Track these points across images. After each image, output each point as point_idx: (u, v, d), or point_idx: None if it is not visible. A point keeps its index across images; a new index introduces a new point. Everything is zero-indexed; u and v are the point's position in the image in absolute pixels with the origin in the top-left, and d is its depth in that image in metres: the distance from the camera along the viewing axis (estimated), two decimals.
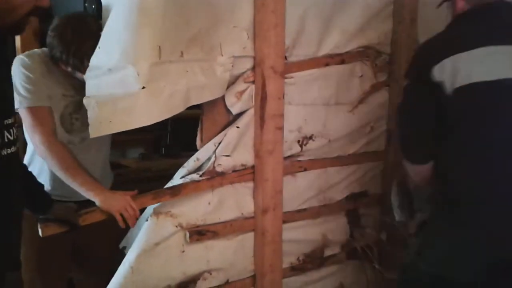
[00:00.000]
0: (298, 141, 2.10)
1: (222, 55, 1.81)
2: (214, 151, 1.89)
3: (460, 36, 1.51)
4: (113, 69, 1.57)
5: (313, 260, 2.24)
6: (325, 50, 2.10)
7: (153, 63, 1.59)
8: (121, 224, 1.66)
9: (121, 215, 1.65)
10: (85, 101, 1.59)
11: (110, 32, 1.58)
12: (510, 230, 1.43)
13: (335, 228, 2.30)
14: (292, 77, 2.00)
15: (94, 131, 1.58)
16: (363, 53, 2.25)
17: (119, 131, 1.62)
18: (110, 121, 1.57)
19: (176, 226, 1.82)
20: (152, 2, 1.56)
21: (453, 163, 1.52)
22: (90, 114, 1.58)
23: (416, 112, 1.56)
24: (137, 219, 1.72)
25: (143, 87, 1.58)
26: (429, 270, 1.52)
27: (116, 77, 1.57)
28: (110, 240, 1.96)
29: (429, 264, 1.54)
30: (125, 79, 1.57)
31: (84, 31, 1.65)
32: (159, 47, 1.58)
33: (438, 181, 1.59)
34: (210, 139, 1.90)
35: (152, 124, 1.66)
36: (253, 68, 1.90)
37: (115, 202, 1.65)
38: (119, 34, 1.57)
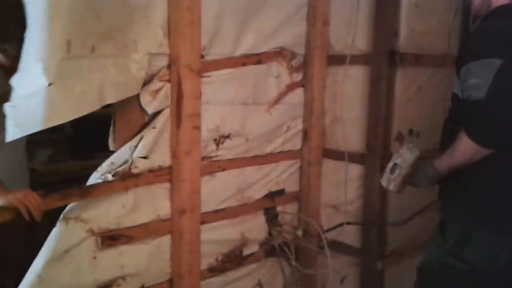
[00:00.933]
0: (215, 140, 2.09)
1: (137, 52, 1.75)
2: (131, 155, 1.81)
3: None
4: (27, 69, 1.48)
5: (232, 259, 2.24)
6: (242, 50, 2.11)
7: (61, 58, 1.50)
8: (26, 215, 1.54)
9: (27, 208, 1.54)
10: (5, 105, 1.49)
11: (28, 30, 1.48)
12: None
13: (253, 227, 2.32)
14: (209, 76, 1.99)
15: (10, 135, 1.47)
16: (279, 54, 2.29)
17: (32, 132, 1.51)
18: (24, 123, 1.48)
19: (87, 231, 1.72)
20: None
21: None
22: (7, 117, 1.48)
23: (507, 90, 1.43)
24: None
25: (50, 84, 1.48)
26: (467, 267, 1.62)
27: (28, 76, 1.48)
28: (22, 243, 1.82)
29: (467, 262, 1.62)
30: (35, 77, 1.47)
31: None
32: (68, 41, 1.50)
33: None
34: (124, 140, 1.82)
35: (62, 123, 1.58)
36: (169, 66, 1.85)
37: (17, 195, 1.54)
38: (31, 30, 1.47)
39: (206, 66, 1.96)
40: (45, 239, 1.66)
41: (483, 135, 1.47)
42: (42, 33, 1.48)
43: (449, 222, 1.70)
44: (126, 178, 1.79)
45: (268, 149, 2.35)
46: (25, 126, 1.49)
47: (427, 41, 2.34)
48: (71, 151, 3.43)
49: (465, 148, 1.51)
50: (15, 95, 1.49)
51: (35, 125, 1.50)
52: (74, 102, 1.56)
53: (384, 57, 2.21)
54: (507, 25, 1.52)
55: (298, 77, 2.41)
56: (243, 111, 2.17)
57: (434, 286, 1.76)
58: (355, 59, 2.33)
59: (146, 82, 1.81)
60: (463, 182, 1.65)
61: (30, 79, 1.48)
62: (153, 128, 1.85)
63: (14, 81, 1.49)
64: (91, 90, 1.59)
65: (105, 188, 1.75)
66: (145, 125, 1.86)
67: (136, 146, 1.82)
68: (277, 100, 2.33)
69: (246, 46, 2.11)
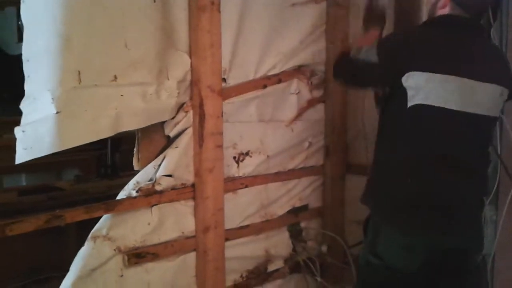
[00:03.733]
0: (234, 158, 2.12)
1: (168, 79, 1.81)
2: (155, 173, 1.86)
3: (436, 52, 1.57)
4: (36, 97, 1.54)
5: (257, 276, 2.25)
6: (262, 71, 2.16)
7: (71, 88, 1.55)
8: None
9: None
10: (15, 129, 1.55)
11: (35, 59, 1.54)
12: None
13: (277, 243, 2.33)
14: (230, 100, 2.04)
15: (18, 158, 1.53)
16: (299, 71, 2.33)
17: (38, 156, 1.55)
18: (32, 147, 1.53)
19: (114, 250, 1.77)
20: (72, 28, 1.54)
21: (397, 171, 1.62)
22: (17, 141, 1.53)
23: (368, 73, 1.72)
24: None
25: (58, 112, 1.53)
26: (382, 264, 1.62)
27: (38, 103, 1.53)
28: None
29: (381, 259, 1.62)
30: (43, 104, 1.53)
31: None
32: (79, 71, 1.56)
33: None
34: (148, 159, 1.87)
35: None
36: (191, 88, 1.90)
37: None
38: (40, 60, 1.53)
39: (228, 92, 2.01)
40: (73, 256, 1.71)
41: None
42: (52, 64, 1.54)
43: (371, 214, 1.71)
44: (149, 195, 1.84)
45: (291, 165, 2.37)
46: (33, 150, 1.54)
47: None
48: (99, 171, 3.53)
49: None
50: (24, 120, 1.54)
51: (43, 150, 1.55)
52: (83, 129, 1.60)
53: None
54: (419, 34, 1.65)
55: (318, 93, 2.43)
56: (262, 128, 2.20)
57: (361, 285, 1.75)
58: None
59: (174, 110, 1.87)
60: (375, 168, 1.70)
61: (39, 106, 1.54)
62: (176, 147, 1.89)
63: (23, 106, 1.55)
64: (104, 117, 1.64)
65: (129, 203, 1.80)
66: (168, 145, 1.91)
67: (159, 165, 1.87)
68: (298, 116, 2.35)
69: (266, 67, 2.16)
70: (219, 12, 1.87)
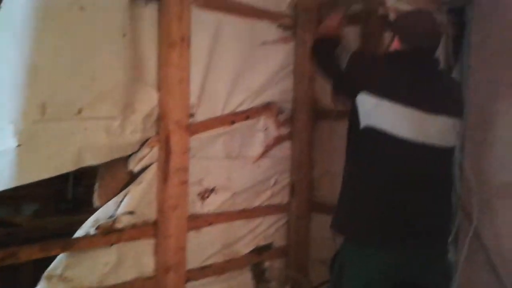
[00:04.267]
0: (199, 194, 2.08)
1: (134, 114, 1.78)
2: (116, 210, 1.80)
3: (392, 81, 1.65)
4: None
5: None
6: (231, 107, 2.15)
7: (34, 121, 1.51)
8: None
9: None
10: None
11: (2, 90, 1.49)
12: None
13: (240, 284, 2.27)
14: (197, 136, 2.01)
15: None
16: (267, 108, 2.33)
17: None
18: None
19: None
20: (38, 59, 1.50)
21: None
22: None
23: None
24: None
25: (19, 145, 1.48)
26: None
27: (0, 135, 1.48)
28: None
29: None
30: (5, 136, 1.47)
31: None
32: (44, 104, 1.51)
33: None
34: (109, 196, 1.81)
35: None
36: (158, 123, 1.87)
37: None
38: (5, 91, 1.49)
39: (195, 127, 1.99)
40: None
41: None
42: (17, 95, 1.49)
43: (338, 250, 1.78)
44: (109, 233, 1.77)
45: (256, 202, 2.35)
46: None
47: None
48: (59, 206, 3.38)
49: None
50: None
51: (2, 184, 1.48)
52: (44, 163, 1.55)
53: None
54: (380, 60, 1.77)
55: (285, 130, 2.44)
56: (229, 164, 2.18)
57: None
58: (342, 114, 2.37)
59: (138, 145, 1.82)
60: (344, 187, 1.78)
61: (1, 138, 1.48)
62: (140, 183, 1.84)
63: None
64: (66, 152, 1.59)
65: (86, 242, 1.72)
66: (131, 180, 1.85)
67: (121, 202, 1.81)
68: (264, 153, 2.35)
69: (235, 103, 2.16)
70: (189, 48, 1.87)
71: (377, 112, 1.60)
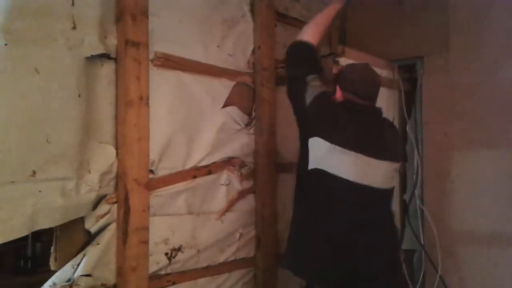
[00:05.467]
0: (166, 254, 2.04)
1: (89, 173, 1.76)
2: (73, 273, 1.74)
3: (340, 127, 1.79)
4: None
5: None
6: (192, 162, 2.16)
7: None
8: None
9: None
10: None
11: None
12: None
13: None
14: (159, 192, 2.00)
15: None
16: (229, 163, 2.35)
17: None
18: None
19: None
20: None
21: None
22: None
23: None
24: None
25: None
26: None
27: None
28: None
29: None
30: None
31: None
32: None
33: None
34: (66, 258, 1.76)
35: None
36: (116, 181, 1.85)
37: None
38: None
39: (155, 183, 1.98)
40: None
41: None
42: None
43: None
44: None
45: (221, 258, 2.31)
46: None
47: None
48: (16, 264, 3.25)
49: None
50: None
51: None
52: None
53: None
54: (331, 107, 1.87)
55: (248, 184, 2.45)
56: (192, 221, 2.16)
57: None
58: None
59: (94, 205, 1.79)
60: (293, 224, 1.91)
61: None
62: (97, 244, 1.80)
63: None
64: (19, 216, 1.55)
65: None
66: (89, 241, 1.81)
67: (79, 264, 1.76)
68: (228, 208, 2.34)
69: (196, 159, 2.17)
70: (148, 106, 1.89)
71: (327, 156, 1.74)
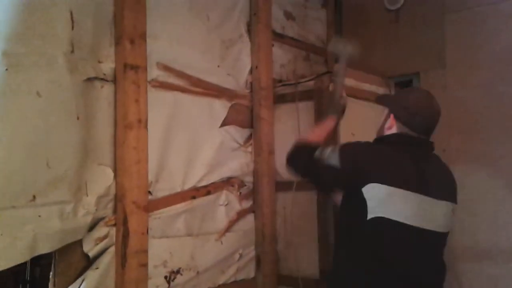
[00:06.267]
0: (165, 277, 2.02)
1: (87, 195, 1.75)
2: None
3: (397, 167, 1.57)
4: None
5: None
6: (191, 183, 2.15)
7: None
8: None
9: None
10: None
11: None
12: None
13: None
14: (158, 214, 1.99)
15: None
16: (228, 183, 2.34)
17: None
18: None
19: None
20: None
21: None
22: None
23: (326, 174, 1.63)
24: None
25: None
26: None
27: None
28: None
29: None
30: None
31: None
32: None
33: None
34: (65, 283, 1.73)
35: None
36: (115, 204, 1.85)
37: None
38: None
39: (154, 205, 1.97)
40: None
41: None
42: None
43: None
44: None
45: (221, 279, 2.29)
46: None
47: None
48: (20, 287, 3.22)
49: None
50: None
51: None
52: None
53: None
54: (378, 147, 1.66)
55: (247, 203, 2.44)
56: (191, 242, 2.14)
57: None
58: (302, 185, 2.40)
59: (91, 227, 1.78)
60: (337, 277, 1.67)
61: None
62: (96, 268, 1.78)
63: None
64: (20, 241, 1.54)
65: None
66: (87, 266, 1.79)
67: None
68: (228, 228, 2.32)
69: (194, 179, 2.16)
70: (146, 129, 1.89)
71: (390, 201, 1.51)
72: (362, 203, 1.53)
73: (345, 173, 1.58)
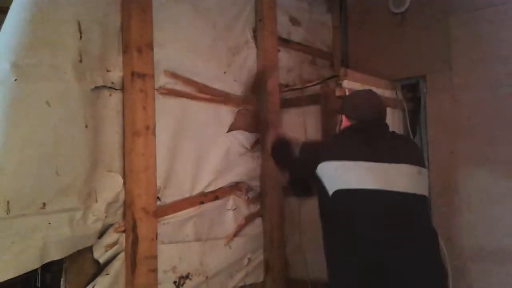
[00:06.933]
0: (175, 282, 2.04)
1: (96, 202, 1.77)
2: None
3: (345, 146, 1.76)
4: None
5: None
6: (199, 189, 2.17)
7: None
8: None
9: None
10: None
11: None
12: None
13: None
14: (166, 219, 2.01)
15: None
16: (236, 188, 2.36)
17: None
18: None
19: None
20: (4, 157, 1.50)
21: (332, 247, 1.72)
22: None
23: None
24: None
25: None
26: None
27: None
28: None
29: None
30: None
31: None
32: (8, 201, 1.50)
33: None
34: None
35: None
36: (124, 211, 1.87)
37: None
38: None
39: (163, 210, 1.99)
40: None
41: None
42: None
43: None
44: None
45: (230, 284, 2.30)
46: None
47: None
48: None
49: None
50: None
51: None
52: (10, 263, 1.51)
53: None
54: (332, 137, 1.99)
55: (255, 208, 2.46)
56: (200, 248, 2.15)
57: None
58: None
59: (101, 234, 1.80)
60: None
61: None
62: (106, 274, 1.80)
63: None
64: (31, 248, 1.56)
65: None
66: (98, 272, 1.81)
67: None
68: (236, 233, 2.34)
69: (202, 184, 2.18)
70: (154, 136, 1.92)
71: (340, 173, 1.66)
72: (321, 186, 1.68)
73: (303, 159, 1.85)
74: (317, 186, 1.72)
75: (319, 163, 1.69)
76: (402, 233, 1.62)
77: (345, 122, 1.87)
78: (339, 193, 1.64)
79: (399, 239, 1.61)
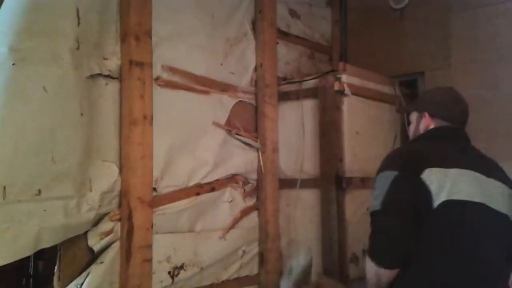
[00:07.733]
0: (169, 273, 2.04)
1: (91, 191, 1.77)
2: None
3: (439, 155, 1.46)
4: None
5: None
6: (195, 180, 2.16)
7: None
8: None
9: None
10: None
11: None
12: None
13: None
14: (162, 210, 2.00)
15: None
16: (232, 180, 2.35)
17: None
18: None
19: None
20: (2, 140, 1.50)
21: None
22: None
23: (398, 201, 1.38)
24: None
25: None
26: None
27: None
28: None
29: None
30: None
31: None
32: (4, 187, 1.49)
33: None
34: (70, 278, 1.75)
35: None
36: (120, 200, 1.86)
37: None
38: None
39: (159, 200, 1.98)
40: None
41: (377, 253, 1.35)
42: None
43: None
44: None
45: (224, 275, 2.30)
46: None
47: (370, 165, 2.46)
48: (18, 283, 3.24)
49: (368, 269, 1.37)
50: None
51: None
52: (4, 249, 1.51)
53: (331, 181, 2.30)
54: (413, 146, 1.59)
55: (251, 201, 2.45)
56: (195, 239, 2.15)
57: None
58: (305, 183, 2.42)
59: (95, 223, 1.79)
60: None
61: None
62: (101, 263, 1.79)
63: None
64: (25, 234, 1.55)
65: None
66: (92, 260, 1.81)
67: (82, 284, 1.75)
68: (232, 225, 2.33)
69: (199, 176, 2.17)
70: (152, 125, 1.91)
71: (448, 181, 1.37)
72: (425, 196, 1.35)
73: (404, 180, 1.39)
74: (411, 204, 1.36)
75: (423, 168, 1.36)
76: (496, 253, 1.41)
77: (428, 122, 1.58)
78: (446, 203, 1.35)
79: (493, 259, 1.40)
